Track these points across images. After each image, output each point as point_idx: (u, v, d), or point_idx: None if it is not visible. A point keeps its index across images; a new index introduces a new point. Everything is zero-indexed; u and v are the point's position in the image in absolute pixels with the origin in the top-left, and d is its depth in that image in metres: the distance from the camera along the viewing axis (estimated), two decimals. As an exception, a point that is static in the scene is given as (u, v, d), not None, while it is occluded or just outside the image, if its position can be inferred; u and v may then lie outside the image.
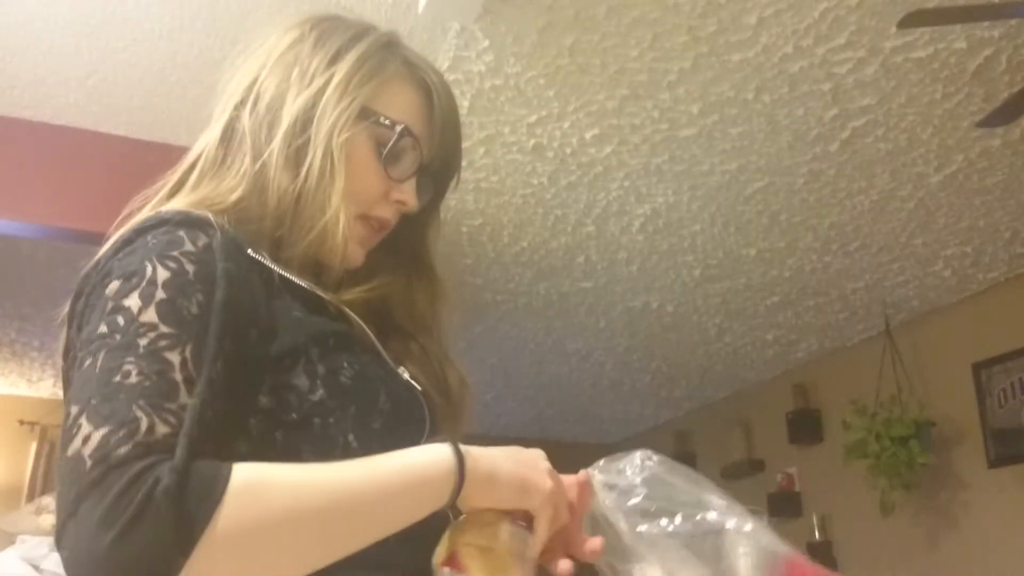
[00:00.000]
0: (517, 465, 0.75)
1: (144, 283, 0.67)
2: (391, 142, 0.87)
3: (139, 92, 2.94)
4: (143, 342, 0.64)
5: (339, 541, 0.65)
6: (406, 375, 0.85)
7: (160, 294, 0.67)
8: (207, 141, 0.89)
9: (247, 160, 0.85)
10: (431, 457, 0.70)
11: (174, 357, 0.65)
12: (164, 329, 0.66)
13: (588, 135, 3.03)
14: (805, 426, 4.90)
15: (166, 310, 0.66)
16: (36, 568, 2.21)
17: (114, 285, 0.69)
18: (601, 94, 2.81)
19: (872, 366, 4.33)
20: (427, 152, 0.91)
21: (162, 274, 0.68)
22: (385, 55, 0.90)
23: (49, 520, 2.67)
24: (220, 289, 0.70)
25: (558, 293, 4.31)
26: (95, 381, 0.63)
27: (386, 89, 0.89)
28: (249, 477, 0.62)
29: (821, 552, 4.66)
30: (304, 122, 0.85)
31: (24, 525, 2.60)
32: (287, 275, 0.80)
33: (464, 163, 0.98)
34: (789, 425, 4.98)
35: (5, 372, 5.61)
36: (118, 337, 0.65)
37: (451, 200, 3.42)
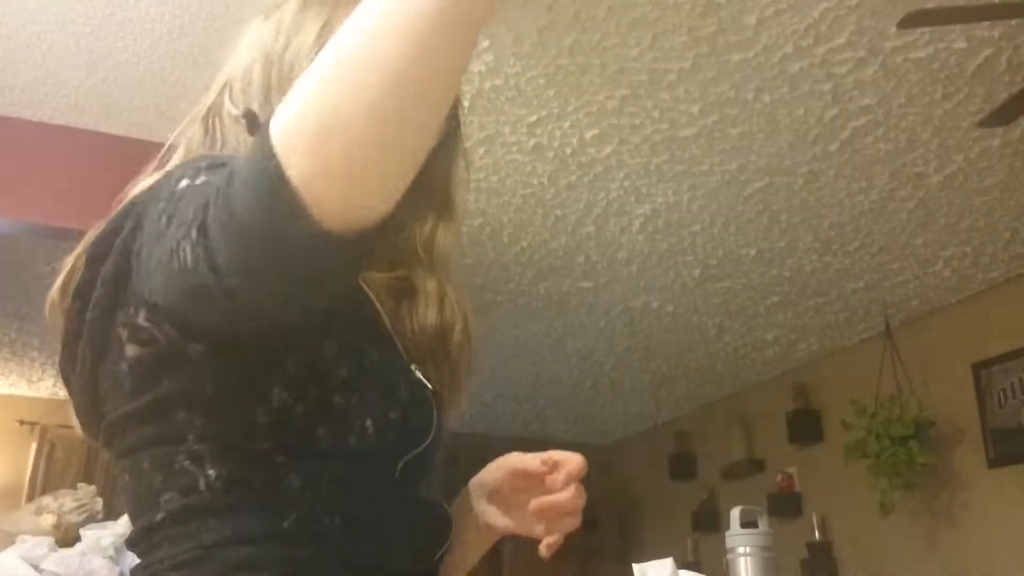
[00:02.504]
0: None
1: None
2: None
3: (139, 92, 2.94)
4: None
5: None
6: (418, 373, 0.82)
7: None
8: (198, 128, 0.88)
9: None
10: None
11: None
12: None
13: (588, 135, 3.03)
14: (805, 426, 4.90)
15: None
16: (36, 568, 2.21)
17: None
18: (601, 94, 2.81)
19: (872, 366, 4.33)
20: None
21: None
22: (321, 10, 0.85)
23: (49, 520, 2.66)
24: None
25: (558, 293, 4.31)
26: None
27: (336, 14, 0.82)
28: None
29: (821, 552, 4.66)
30: (265, 89, 0.83)
31: (24, 525, 2.60)
32: None
33: (467, 190, 0.94)
34: (789, 425, 4.98)
35: (5, 372, 5.61)
36: None
37: (451, 200, 3.43)
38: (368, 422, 0.70)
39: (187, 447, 0.69)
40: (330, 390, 0.70)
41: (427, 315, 0.86)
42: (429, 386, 0.82)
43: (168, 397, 0.69)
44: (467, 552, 0.87)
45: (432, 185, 0.90)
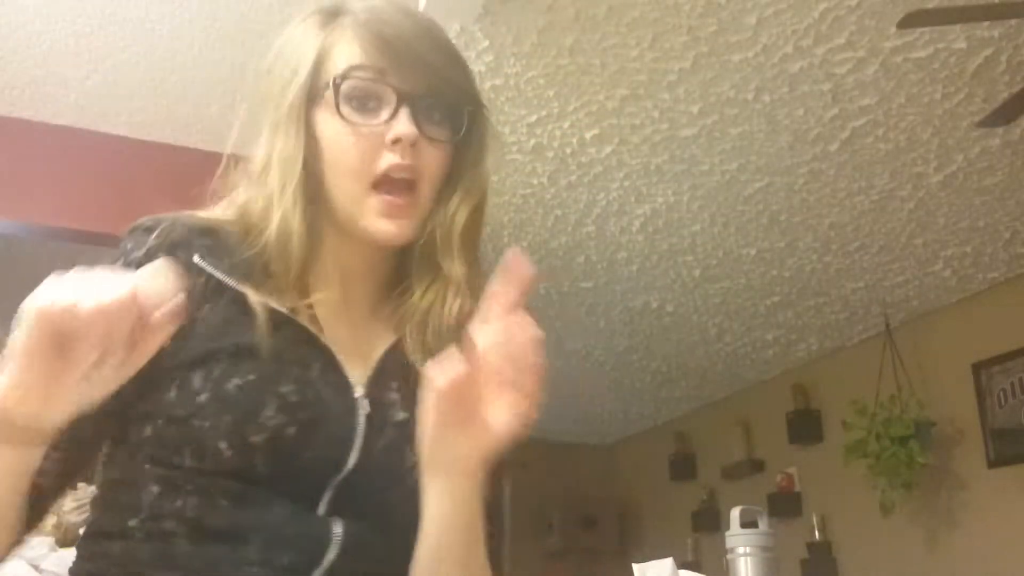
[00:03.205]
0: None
1: None
2: (334, 97, 0.83)
3: (139, 92, 2.94)
4: None
5: None
6: (359, 393, 0.82)
7: None
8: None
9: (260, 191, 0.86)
10: None
11: None
12: None
13: (588, 135, 3.03)
14: (805, 426, 4.90)
15: None
16: (36, 568, 2.21)
17: None
18: (601, 94, 2.81)
19: (872, 366, 4.33)
20: (400, 78, 0.83)
21: None
22: (317, 35, 0.86)
23: (49, 520, 2.66)
24: None
25: (558, 293, 4.31)
26: None
27: (327, 59, 0.85)
28: None
29: (821, 552, 4.66)
30: (267, 155, 0.85)
31: (24, 525, 2.61)
32: (228, 281, 0.81)
33: (490, 173, 0.94)
34: (789, 425, 4.98)
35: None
36: None
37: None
38: (223, 444, 0.75)
39: (106, 452, 0.82)
40: (192, 413, 0.76)
41: (452, 307, 0.86)
42: (362, 410, 0.81)
43: (105, 414, 0.78)
44: (452, 532, 0.75)
45: (458, 180, 0.91)
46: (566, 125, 2.98)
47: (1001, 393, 3.94)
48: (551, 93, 2.82)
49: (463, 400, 0.68)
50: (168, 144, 3.14)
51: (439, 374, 0.67)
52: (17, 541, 0.77)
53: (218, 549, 0.74)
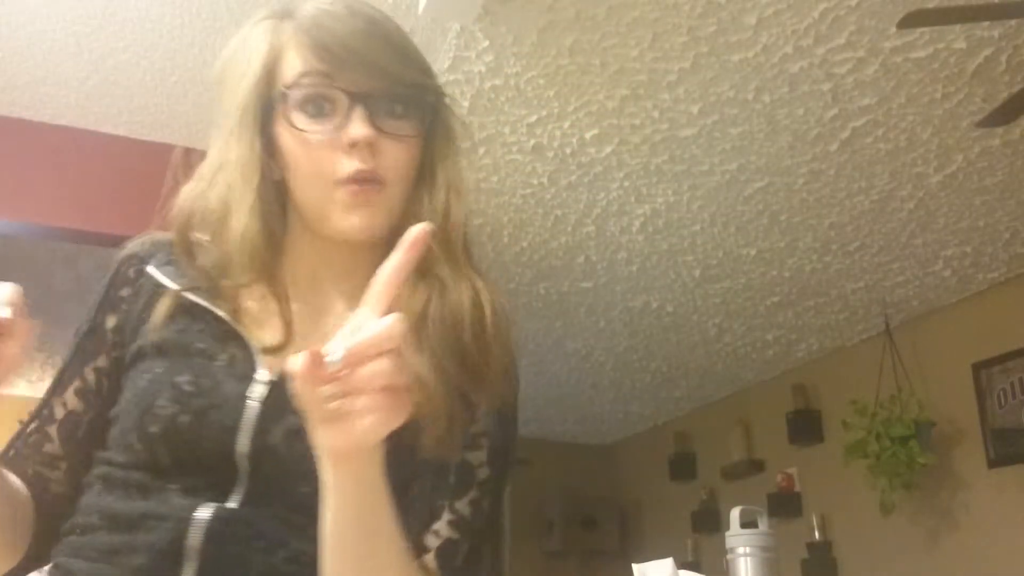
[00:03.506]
0: None
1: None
2: (284, 108, 0.82)
3: (139, 92, 2.95)
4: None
5: None
6: (263, 377, 0.81)
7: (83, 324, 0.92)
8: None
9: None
10: None
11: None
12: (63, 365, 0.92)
13: (588, 135, 3.03)
14: (805, 426, 4.90)
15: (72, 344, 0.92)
16: (36, 568, 2.20)
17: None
18: (601, 94, 2.81)
19: (872, 366, 4.32)
20: (347, 80, 0.82)
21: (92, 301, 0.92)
22: (263, 42, 0.86)
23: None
24: (88, 320, 0.90)
25: (558, 293, 4.31)
26: None
27: (275, 67, 0.84)
28: None
29: (821, 552, 4.66)
30: (220, 162, 0.86)
31: (24, 525, 2.61)
32: (166, 282, 0.87)
33: (464, 162, 0.93)
34: (789, 425, 4.98)
35: (5, 372, 5.61)
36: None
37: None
38: (133, 437, 0.80)
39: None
40: (121, 411, 0.83)
41: (444, 304, 0.84)
42: (255, 395, 0.81)
43: (94, 422, 0.89)
44: (340, 511, 0.70)
45: (431, 173, 0.89)
46: (566, 125, 2.98)
47: (1001, 393, 3.94)
48: (551, 93, 2.82)
49: (316, 392, 0.62)
50: (168, 144, 3.14)
51: (293, 363, 0.61)
52: (32, 550, 0.85)
53: (120, 537, 0.78)
